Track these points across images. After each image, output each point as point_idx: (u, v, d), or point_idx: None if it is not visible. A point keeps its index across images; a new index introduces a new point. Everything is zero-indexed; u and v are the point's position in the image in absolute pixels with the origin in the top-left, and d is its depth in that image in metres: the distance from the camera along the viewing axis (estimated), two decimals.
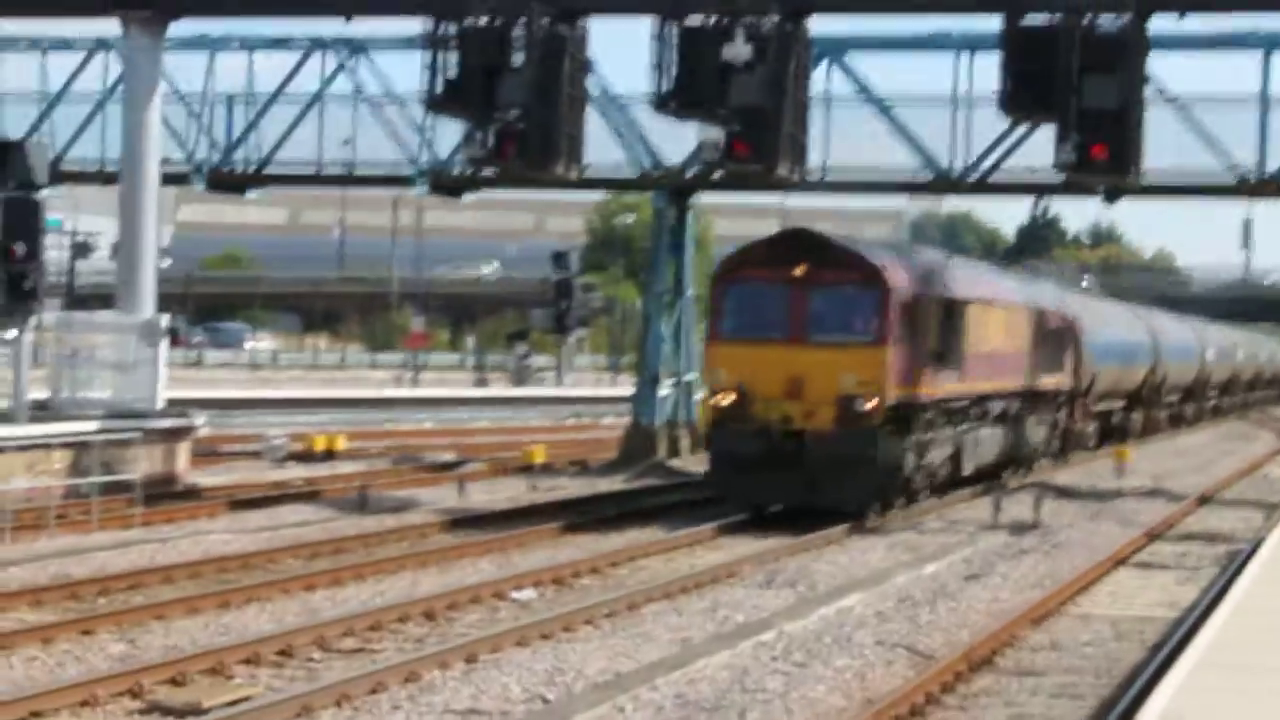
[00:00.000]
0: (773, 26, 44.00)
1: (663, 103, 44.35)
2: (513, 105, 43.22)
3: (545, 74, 43.70)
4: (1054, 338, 47.48)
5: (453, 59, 45.94)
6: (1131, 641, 22.36)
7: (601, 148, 47.19)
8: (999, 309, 41.72)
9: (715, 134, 44.41)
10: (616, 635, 21.39)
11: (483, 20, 45.04)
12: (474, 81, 44.09)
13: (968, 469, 39.13)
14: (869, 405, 32.24)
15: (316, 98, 50.75)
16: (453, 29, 46.32)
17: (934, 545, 31.44)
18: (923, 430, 35.25)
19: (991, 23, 43.83)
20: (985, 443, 40.21)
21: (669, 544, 31.44)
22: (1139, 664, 20.42)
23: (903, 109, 49.24)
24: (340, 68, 51.75)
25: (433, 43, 45.99)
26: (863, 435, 32.26)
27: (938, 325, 35.71)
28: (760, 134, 44.15)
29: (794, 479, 32.63)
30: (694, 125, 45.35)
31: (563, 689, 18.04)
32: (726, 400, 33.23)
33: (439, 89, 43.87)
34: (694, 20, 43.95)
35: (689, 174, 45.15)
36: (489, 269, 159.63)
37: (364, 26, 50.58)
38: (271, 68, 53.08)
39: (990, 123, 46.29)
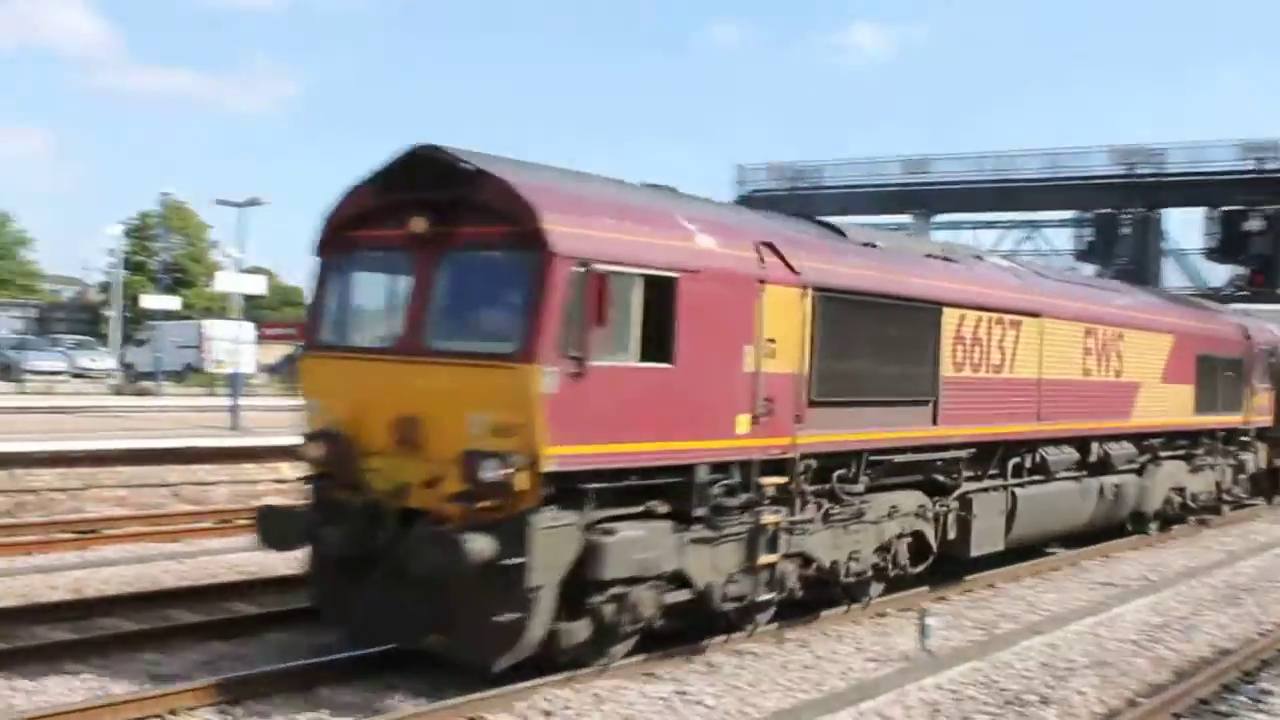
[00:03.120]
0: (1275, 210, 42.98)
1: (1211, 254, 44.08)
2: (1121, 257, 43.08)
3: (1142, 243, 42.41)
4: (1227, 367, 20.08)
5: (1088, 232, 45.83)
6: None
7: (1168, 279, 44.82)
8: (1068, 325, 14.33)
9: (1243, 271, 43.55)
10: (1194, 545, 19.36)
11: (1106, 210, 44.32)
12: (1098, 245, 44.09)
13: (981, 548, 12.86)
14: (504, 472, 7.10)
15: (1008, 255, 49.84)
16: (1088, 215, 46.06)
17: None
18: (787, 507, 9.59)
19: None
20: (1036, 505, 14.04)
21: None
22: None
23: None
24: (1025, 237, 51.60)
25: (1078, 223, 45.62)
26: (501, 528, 7.20)
27: (828, 331, 9.66)
28: (1269, 270, 43.30)
29: (411, 599, 7.70)
30: (1229, 267, 44.27)
31: (1159, 573, 16.41)
32: (316, 452, 8.16)
33: (1085, 248, 42.71)
34: (1228, 208, 43.58)
35: (1225, 292, 42.55)
36: None
37: (1037, 214, 50.31)
38: (990, 236, 52.99)
39: None
